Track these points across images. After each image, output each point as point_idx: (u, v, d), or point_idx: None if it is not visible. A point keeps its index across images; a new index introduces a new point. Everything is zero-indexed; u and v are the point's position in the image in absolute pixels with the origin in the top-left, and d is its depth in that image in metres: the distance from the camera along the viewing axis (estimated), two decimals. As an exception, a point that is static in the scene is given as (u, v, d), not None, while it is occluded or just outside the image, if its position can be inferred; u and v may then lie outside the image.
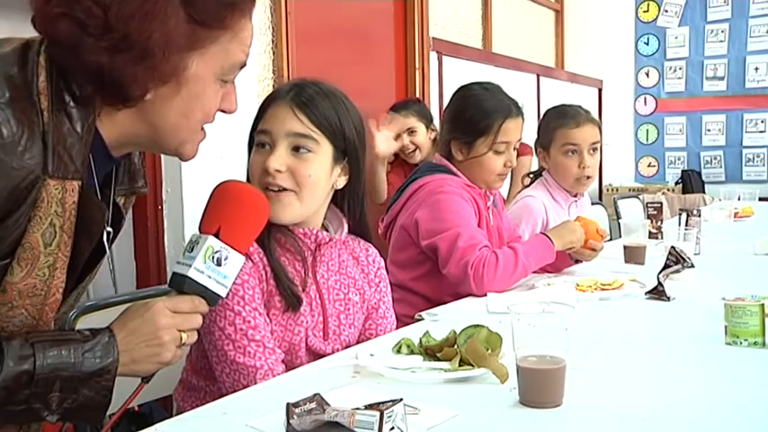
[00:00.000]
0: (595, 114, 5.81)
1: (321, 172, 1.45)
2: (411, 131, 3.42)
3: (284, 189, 1.42)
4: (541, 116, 2.80)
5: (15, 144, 0.96)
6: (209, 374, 1.42)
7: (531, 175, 2.82)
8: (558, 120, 2.67)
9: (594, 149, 2.66)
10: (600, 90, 6.47)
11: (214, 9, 1.06)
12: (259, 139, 1.46)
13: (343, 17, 3.72)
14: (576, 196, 2.76)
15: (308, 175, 1.43)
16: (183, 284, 1.13)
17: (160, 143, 1.14)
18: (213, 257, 1.14)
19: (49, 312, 1.08)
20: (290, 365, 1.42)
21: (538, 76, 5.51)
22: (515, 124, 2.18)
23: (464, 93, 2.27)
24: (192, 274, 1.12)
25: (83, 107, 1.04)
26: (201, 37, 1.07)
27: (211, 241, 1.14)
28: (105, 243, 1.15)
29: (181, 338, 1.13)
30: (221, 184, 1.25)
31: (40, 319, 1.08)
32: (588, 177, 2.68)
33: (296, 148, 1.43)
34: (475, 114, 2.17)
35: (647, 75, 6.45)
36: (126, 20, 0.99)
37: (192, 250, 1.14)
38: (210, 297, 1.15)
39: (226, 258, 1.15)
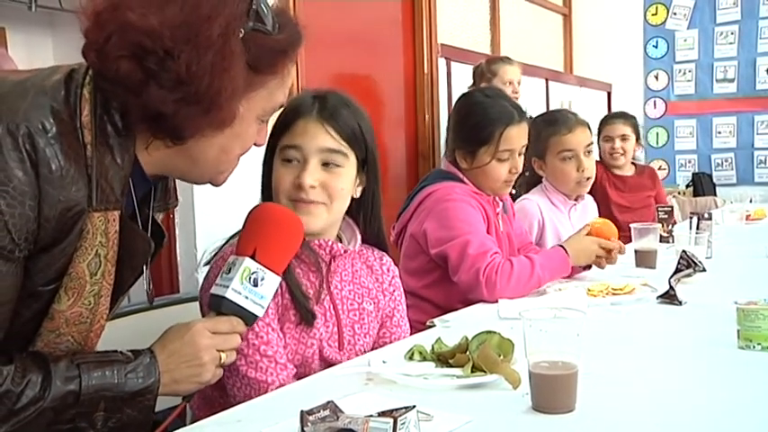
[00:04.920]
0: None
1: (349, 184, 1.47)
2: (624, 138, 3.81)
3: (315, 202, 1.43)
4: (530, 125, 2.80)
5: (63, 178, 0.98)
6: (225, 386, 1.42)
7: (524, 185, 2.83)
8: (549, 128, 2.68)
9: (589, 151, 2.70)
10: (609, 94, 6.46)
11: (268, 56, 1.09)
12: (288, 155, 1.45)
13: (352, 24, 3.74)
14: (576, 200, 2.77)
15: (340, 189, 1.45)
16: (221, 305, 1.16)
17: (196, 175, 1.17)
18: (250, 278, 1.16)
19: (93, 338, 1.11)
20: (304, 377, 1.42)
21: (547, 80, 5.51)
22: (518, 131, 2.15)
23: (465, 101, 2.27)
24: (229, 295, 1.15)
25: (124, 139, 1.06)
26: (254, 82, 1.10)
27: (248, 263, 1.16)
28: (145, 267, 1.18)
29: (220, 358, 1.15)
30: (256, 206, 1.27)
31: (85, 345, 1.10)
32: (588, 179, 2.71)
33: (326, 163, 1.44)
34: (475, 124, 2.16)
35: (657, 78, 6.43)
36: (200, 76, 1.00)
37: (230, 272, 1.17)
38: (248, 317, 1.17)
39: (262, 279, 1.17)
